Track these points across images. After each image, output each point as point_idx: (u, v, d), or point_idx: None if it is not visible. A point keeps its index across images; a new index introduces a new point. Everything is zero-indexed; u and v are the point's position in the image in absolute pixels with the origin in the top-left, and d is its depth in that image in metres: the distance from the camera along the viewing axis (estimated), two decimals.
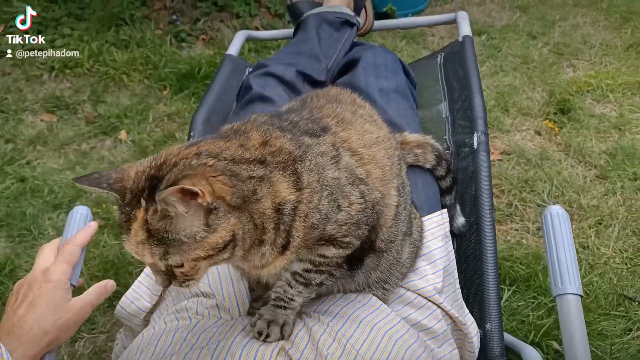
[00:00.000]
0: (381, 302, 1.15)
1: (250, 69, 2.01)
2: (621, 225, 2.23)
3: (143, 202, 0.80)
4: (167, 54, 3.61)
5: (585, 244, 2.15)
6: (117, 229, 2.37)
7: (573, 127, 2.80)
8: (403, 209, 1.17)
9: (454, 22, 2.22)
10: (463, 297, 1.36)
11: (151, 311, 1.33)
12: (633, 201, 2.35)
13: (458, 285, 1.35)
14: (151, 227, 0.80)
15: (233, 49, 2.19)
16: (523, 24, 3.84)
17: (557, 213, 1.17)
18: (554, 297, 1.12)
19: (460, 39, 1.97)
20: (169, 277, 0.87)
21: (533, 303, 1.90)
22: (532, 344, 1.62)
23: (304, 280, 1.02)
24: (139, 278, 1.37)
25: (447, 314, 1.24)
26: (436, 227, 1.36)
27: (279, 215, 0.88)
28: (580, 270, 2.06)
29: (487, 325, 1.34)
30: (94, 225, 1.27)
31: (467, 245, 1.48)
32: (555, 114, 2.92)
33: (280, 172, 0.89)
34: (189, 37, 3.85)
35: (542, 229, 1.20)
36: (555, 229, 1.16)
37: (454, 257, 1.38)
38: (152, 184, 0.79)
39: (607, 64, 3.34)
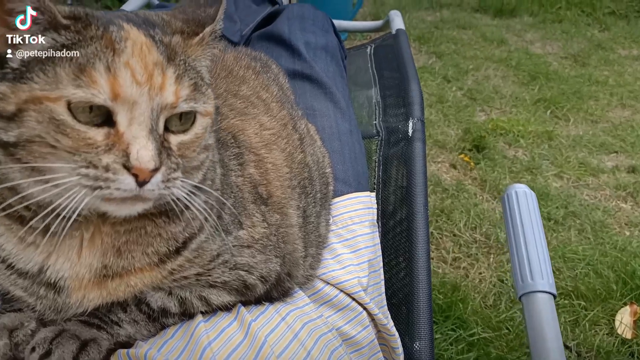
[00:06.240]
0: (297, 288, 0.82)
1: None
2: None
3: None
4: None
5: (504, 278, 1.96)
6: None
7: (488, 165, 2.70)
8: (311, 213, 0.92)
9: (380, 29, 2.07)
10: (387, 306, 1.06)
11: None
12: (548, 240, 2.22)
13: (384, 289, 1.05)
14: (176, 52, 0.57)
15: (129, 7, 1.82)
16: (439, 68, 3.84)
17: (523, 192, 0.92)
18: (519, 298, 0.84)
19: (393, 32, 1.78)
20: (164, 151, 0.55)
21: (451, 336, 1.64)
22: None
23: (152, 314, 0.68)
24: None
25: (374, 319, 0.92)
26: (364, 209, 1.06)
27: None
28: (500, 305, 1.85)
29: (416, 345, 1.03)
30: None
31: (395, 245, 1.19)
32: (470, 150, 2.81)
33: None
34: None
35: (505, 213, 0.94)
36: (522, 211, 0.90)
37: (380, 252, 1.08)
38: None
39: (517, 114, 3.36)
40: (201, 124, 0.58)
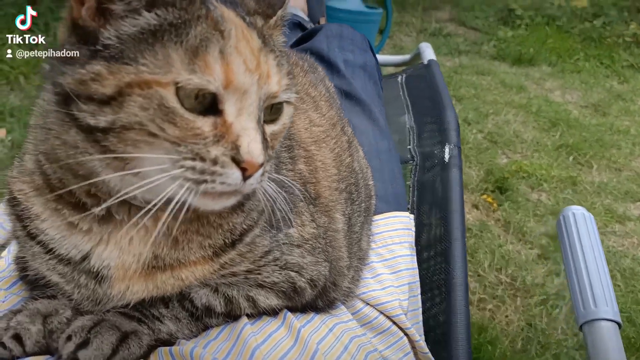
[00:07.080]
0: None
1: None
2: (569, 308, 1.97)
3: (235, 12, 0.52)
4: None
5: (532, 322, 1.86)
6: None
7: (511, 207, 2.64)
8: (355, 222, 0.87)
9: (408, 63, 2.06)
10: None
11: None
12: None
13: (421, 317, 0.98)
14: (264, 36, 0.53)
15: None
16: (459, 111, 3.82)
17: (582, 215, 0.85)
18: (580, 327, 0.77)
19: (425, 62, 1.77)
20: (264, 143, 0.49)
21: None
22: None
23: (195, 312, 0.62)
24: None
25: (414, 346, 0.85)
26: (403, 229, 1.01)
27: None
28: (530, 348, 1.75)
29: None
30: None
31: (429, 275, 1.12)
32: (492, 191, 2.76)
33: None
34: None
35: (561, 236, 0.87)
36: (581, 234, 0.83)
37: (418, 277, 1.02)
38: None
39: (539, 158, 3.31)
40: (288, 113, 0.54)
